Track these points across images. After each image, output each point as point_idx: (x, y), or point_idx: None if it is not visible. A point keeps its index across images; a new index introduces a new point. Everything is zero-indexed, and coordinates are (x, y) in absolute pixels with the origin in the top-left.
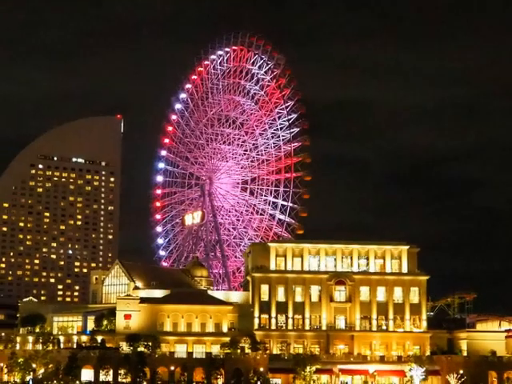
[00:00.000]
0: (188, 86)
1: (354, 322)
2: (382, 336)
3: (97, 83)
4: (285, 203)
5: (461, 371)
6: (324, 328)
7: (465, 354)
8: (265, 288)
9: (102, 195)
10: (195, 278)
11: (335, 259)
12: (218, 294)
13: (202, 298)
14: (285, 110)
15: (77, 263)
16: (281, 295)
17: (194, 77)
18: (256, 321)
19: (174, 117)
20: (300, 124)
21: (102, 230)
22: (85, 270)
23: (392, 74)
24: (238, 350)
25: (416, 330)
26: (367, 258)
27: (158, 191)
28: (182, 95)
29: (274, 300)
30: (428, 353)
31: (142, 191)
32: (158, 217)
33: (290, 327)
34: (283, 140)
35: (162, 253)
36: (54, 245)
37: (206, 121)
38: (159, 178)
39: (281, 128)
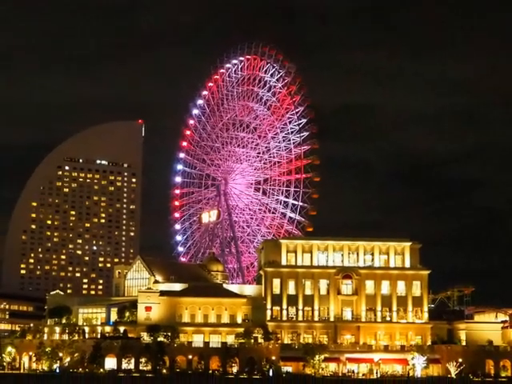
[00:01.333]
0: (205, 92)
1: (359, 314)
2: (386, 327)
3: (120, 90)
4: (295, 202)
5: (460, 360)
6: (332, 319)
7: (463, 343)
8: (276, 282)
9: (124, 195)
10: (211, 272)
11: (342, 255)
12: (233, 288)
13: (218, 291)
14: (295, 115)
15: (101, 258)
16: (291, 288)
17: (210, 84)
18: (268, 312)
19: (191, 121)
20: (309, 128)
21: (124, 227)
22: (108, 265)
23: (395, 81)
24: (252, 340)
25: (418, 321)
26: (372, 254)
27: (177, 191)
28: (200, 101)
29: (285, 293)
30: (429, 342)
31: (162, 191)
32: (176, 215)
33: (300, 318)
34: (294, 143)
35: (180, 249)
36: (80, 241)
37: (222, 125)
38: (178, 179)
39: (291, 132)
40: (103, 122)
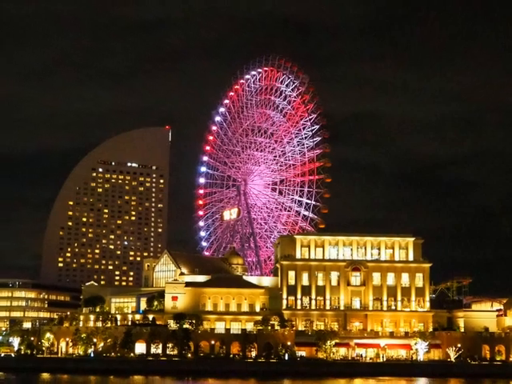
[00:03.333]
0: (226, 101)
1: (367, 303)
2: (392, 315)
3: (149, 100)
4: (309, 201)
5: (458, 345)
6: (342, 308)
7: (462, 330)
8: (292, 274)
9: (153, 194)
10: (232, 265)
11: (351, 249)
12: (252, 279)
13: (238, 282)
14: (308, 121)
15: (131, 253)
16: (305, 280)
17: (231, 93)
18: (284, 302)
19: (214, 128)
20: (321, 134)
21: (152, 224)
22: (138, 259)
23: (400, 91)
24: (269, 327)
25: (420, 310)
26: (379, 248)
27: (201, 191)
28: (222, 109)
29: (299, 284)
30: (431, 329)
31: (187, 191)
32: (200, 213)
33: (313, 307)
34: (307, 147)
35: (204, 244)
36: (112, 237)
37: (242, 131)
38: (201, 180)
39: (305, 137)
40: (134, 128)
